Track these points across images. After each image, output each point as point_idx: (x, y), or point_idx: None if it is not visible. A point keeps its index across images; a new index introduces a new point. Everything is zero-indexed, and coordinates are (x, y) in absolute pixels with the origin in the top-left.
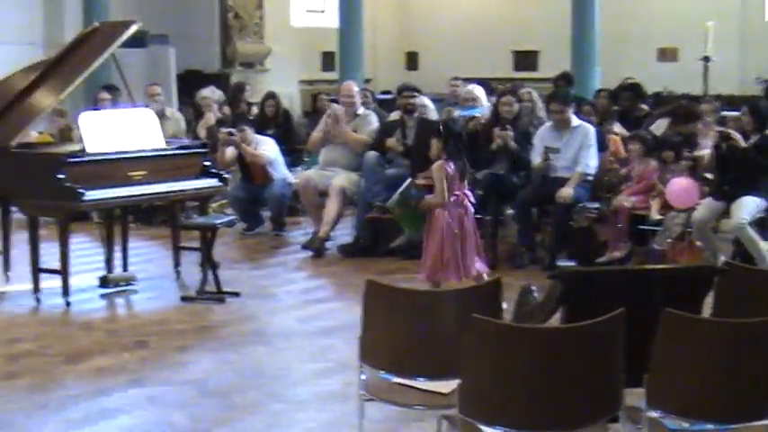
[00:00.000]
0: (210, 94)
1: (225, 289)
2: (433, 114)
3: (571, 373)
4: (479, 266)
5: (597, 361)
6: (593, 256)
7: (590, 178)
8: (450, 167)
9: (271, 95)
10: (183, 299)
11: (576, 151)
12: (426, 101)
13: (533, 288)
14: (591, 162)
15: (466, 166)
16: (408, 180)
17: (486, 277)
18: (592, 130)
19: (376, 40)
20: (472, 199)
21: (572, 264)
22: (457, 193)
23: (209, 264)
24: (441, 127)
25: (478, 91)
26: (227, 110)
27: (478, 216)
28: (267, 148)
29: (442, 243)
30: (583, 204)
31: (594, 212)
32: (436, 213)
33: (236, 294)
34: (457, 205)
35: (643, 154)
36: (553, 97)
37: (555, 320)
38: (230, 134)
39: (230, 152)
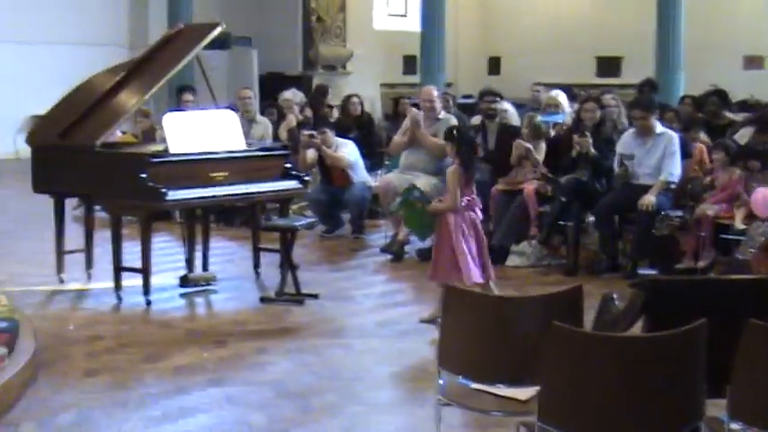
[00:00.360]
0: (292, 96)
1: (304, 291)
2: (514, 119)
3: (652, 382)
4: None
5: (678, 371)
6: (676, 264)
7: (673, 186)
8: (462, 172)
9: (354, 95)
10: (263, 300)
11: (660, 159)
12: (508, 106)
13: (615, 296)
14: (674, 170)
15: (475, 172)
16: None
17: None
18: (675, 137)
19: (458, 45)
20: (480, 205)
21: (654, 272)
22: (468, 198)
23: (288, 265)
24: (454, 132)
25: (561, 97)
26: (308, 112)
27: (561, 222)
28: (348, 151)
29: (454, 246)
30: (665, 212)
31: (677, 221)
32: (448, 217)
33: (315, 296)
34: (469, 209)
35: (727, 163)
36: (635, 104)
37: (636, 329)
38: (311, 136)
39: (311, 154)
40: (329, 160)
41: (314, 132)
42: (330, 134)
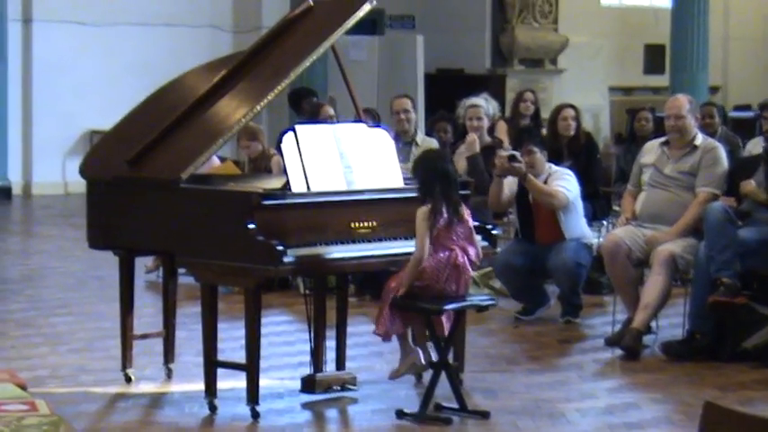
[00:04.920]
0: (483, 103)
1: (477, 405)
2: None
3: None
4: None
5: None
6: None
7: None
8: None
9: (566, 106)
10: (399, 415)
11: None
12: None
13: None
14: None
15: (458, 214)
16: None
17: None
18: None
19: (728, 30)
20: (475, 252)
21: None
22: (447, 251)
23: (444, 364)
24: (420, 161)
25: None
26: (502, 128)
27: None
28: (567, 186)
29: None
30: None
31: None
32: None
33: (485, 415)
34: (449, 266)
35: None
36: None
37: None
38: (512, 159)
39: (508, 191)
40: (537, 195)
41: (516, 153)
42: (540, 156)
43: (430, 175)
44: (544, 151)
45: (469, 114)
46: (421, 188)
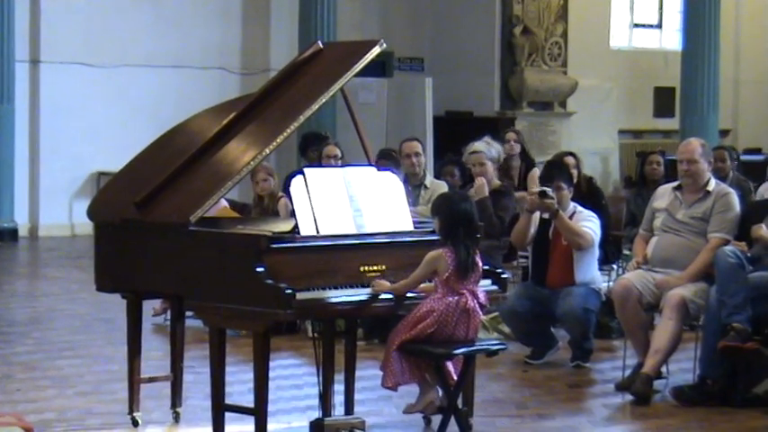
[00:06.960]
0: (484, 147)
1: None
2: None
3: None
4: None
5: None
6: None
7: None
8: (450, 257)
9: (566, 154)
10: None
11: None
12: None
13: None
14: None
15: (473, 261)
16: None
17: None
18: None
19: (739, 72)
20: (482, 301)
21: None
22: (455, 296)
23: (453, 409)
24: (441, 203)
25: None
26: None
27: None
28: (593, 228)
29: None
30: None
31: None
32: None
33: None
34: (458, 311)
35: None
36: None
37: None
38: (543, 195)
39: (534, 224)
40: (565, 233)
41: (547, 189)
42: (567, 193)
43: (453, 217)
44: (571, 188)
45: (471, 161)
46: (442, 230)
